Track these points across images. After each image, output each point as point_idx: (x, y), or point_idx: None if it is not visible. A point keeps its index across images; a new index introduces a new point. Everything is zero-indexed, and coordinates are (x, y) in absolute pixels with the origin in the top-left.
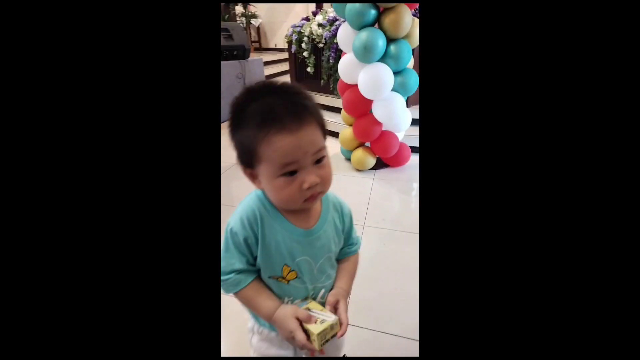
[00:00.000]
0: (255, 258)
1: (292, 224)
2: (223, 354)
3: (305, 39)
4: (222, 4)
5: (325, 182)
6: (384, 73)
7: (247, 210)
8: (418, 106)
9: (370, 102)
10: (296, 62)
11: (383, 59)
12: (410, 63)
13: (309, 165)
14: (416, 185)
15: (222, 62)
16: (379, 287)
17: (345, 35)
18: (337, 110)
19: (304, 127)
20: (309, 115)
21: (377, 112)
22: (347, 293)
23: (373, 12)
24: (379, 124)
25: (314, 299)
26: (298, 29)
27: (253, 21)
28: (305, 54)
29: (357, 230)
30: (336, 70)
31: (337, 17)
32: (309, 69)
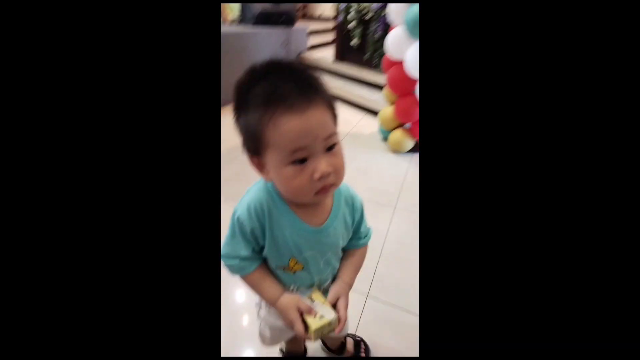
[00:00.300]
0: (261, 247)
1: (301, 220)
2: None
3: (353, 9)
4: None
5: (338, 172)
6: None
7: (254, 201)
8: None
9: (415, 81)
10: (341, 34)
11: None
12: None
13: (320, 152)
14: None
15: (266, 29)
16: (406, 267)
17: (397, 7)
18: (378, 87)
19: (313, 107)
20: (317, 94)
21: None
22: (349, 286)
23: None
24: None
25: (319, 287)
26: None
27: None
28: (351, 25)
29: (388, 212)
30: (382, 45)
31: None
32: (353, 42)
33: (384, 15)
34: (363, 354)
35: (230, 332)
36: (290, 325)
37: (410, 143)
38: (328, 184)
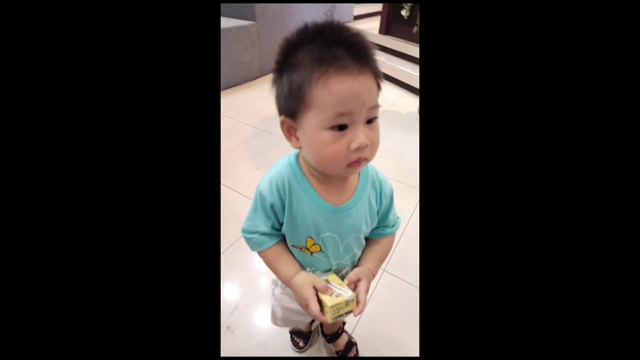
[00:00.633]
0: (281, 224)
1: (320, 198)
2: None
3: None
4: None
5: (374, 146)
6: None
7: (277, 176)
8: None
9: None
10: (390, 4)
11: None
12: None
13: (361, 122)
14: None
15: None
16: None
17: None
18: None
19: (365, 73)
20: (370, 62)
21: None
22: (373, 274)
23: None
24: None
25: (337, 273)
26: None
27: None
28: None
29: (416, 194)
30: None
31: None
32: (403, 12)
33: None
34: (353, 355)
35: (249, 292)
36: (304, 305)
37: None
38: (362, 157)
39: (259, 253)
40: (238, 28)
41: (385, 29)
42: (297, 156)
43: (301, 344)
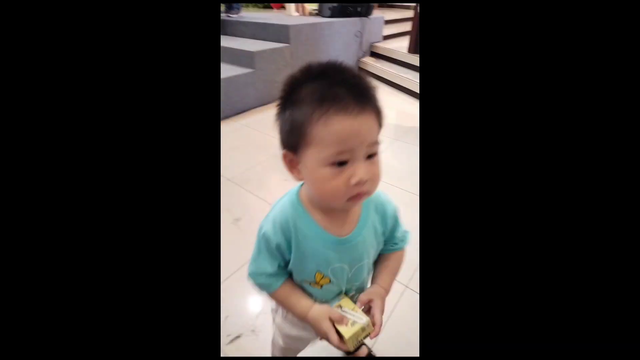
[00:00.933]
0: (287, 261)
1: (325, 231)
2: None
3: None
4: None
5: (374, 181)
6: None
7: (280, 217)
8: None
9: None
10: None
11: None
12: None
13: (361, 158)
14: None
15: (341, 19)
16: None
17: None
18: None
19: (365, 113)
20: (371, 102)
21: None
22: (386, 292)
23: None
24: None
25: (347, 293)
26: None
27: None
28: None
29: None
30: None
31: None
32: None
33: None
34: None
35: None
36: (324, 337)
37: None
38: (363, 191)
39: (269, 295)
40: (272, 50)
41: (414, 48)
42: (298, 193)
43: None
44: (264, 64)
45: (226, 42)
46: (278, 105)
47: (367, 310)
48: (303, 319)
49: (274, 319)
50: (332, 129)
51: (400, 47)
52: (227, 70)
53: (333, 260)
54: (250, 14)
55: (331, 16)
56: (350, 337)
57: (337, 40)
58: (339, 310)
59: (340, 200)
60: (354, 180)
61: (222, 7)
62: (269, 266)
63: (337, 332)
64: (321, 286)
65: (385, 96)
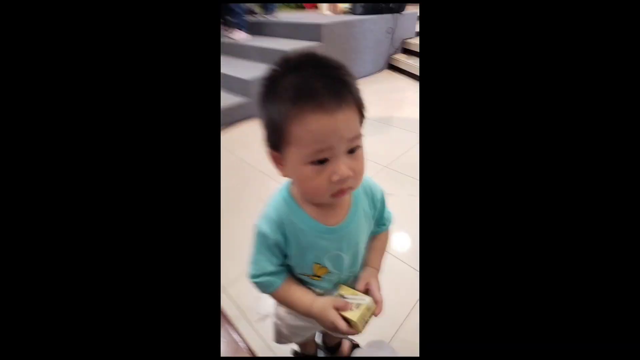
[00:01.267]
0: (285, 256)
1: (319, 223)
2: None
3: None
4: None
5: (358, 176)
6: None
7: (274, 215)
8: None
9: None
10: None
11: None
12: None
13: (341, 154)
14: None
15: (373, 16)
16: None
17: None
18: None
19: (343, 108)
20: (349, 95)
21: None
22: (377, 270)
23: None
24: None
25: (344, 282)
26: None
27: None
28: None
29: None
30: None
31: None
32: None
33: None
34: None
35: None
36: (332, 328)
37: None
38: (346, 187)
39: (271, 294)
40: (304, 49)
41: None
42: (289, 188)
43: None
44: None
45: (262, 42)
46: (258, 100)
47: (366, 292)
48: (307, 314)
49: (275, 311)
50: (308, 127)
51: None
52: (261, 69)
53: (330, 250)
54: (285, 15)
55: (363, 13)
56: (358, 319)
57: (369, 37)
58: (340, 298)
59: (324, 197)
60: (335, 178)
61: (260, 10)
62: (269, 265)
63: (344, 319)
64: (320, 277)
65: (415, 94)
